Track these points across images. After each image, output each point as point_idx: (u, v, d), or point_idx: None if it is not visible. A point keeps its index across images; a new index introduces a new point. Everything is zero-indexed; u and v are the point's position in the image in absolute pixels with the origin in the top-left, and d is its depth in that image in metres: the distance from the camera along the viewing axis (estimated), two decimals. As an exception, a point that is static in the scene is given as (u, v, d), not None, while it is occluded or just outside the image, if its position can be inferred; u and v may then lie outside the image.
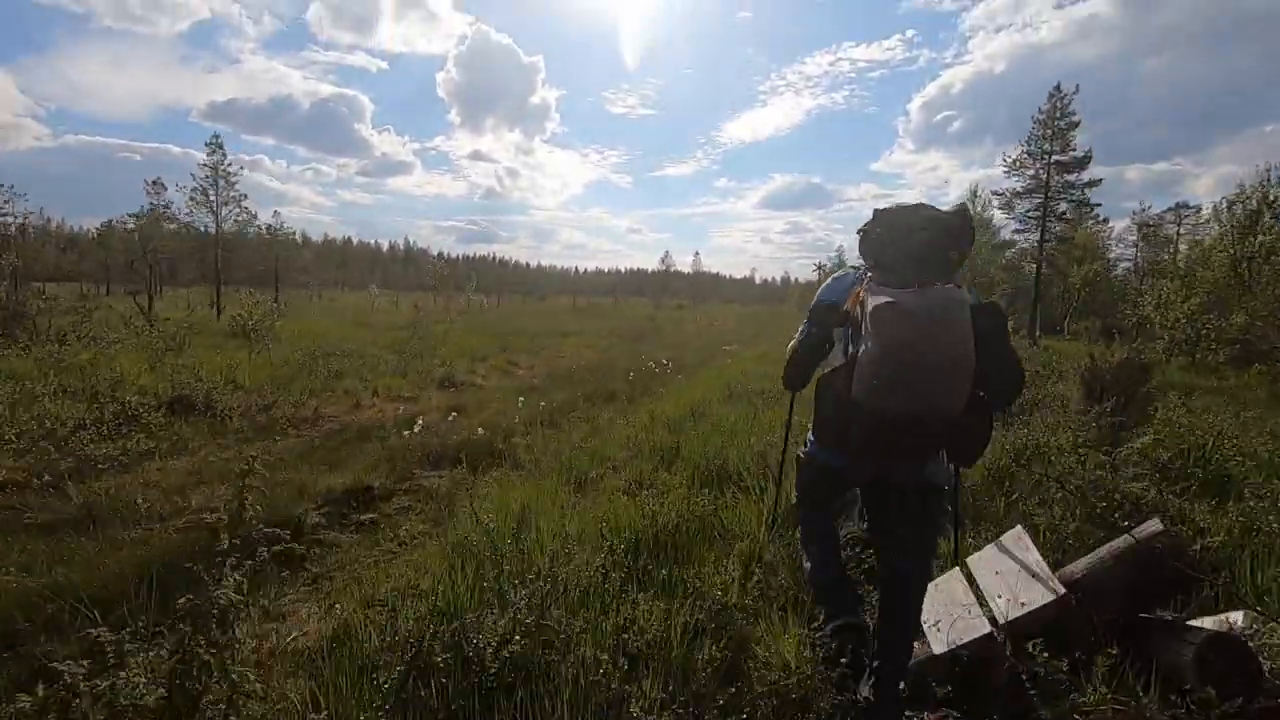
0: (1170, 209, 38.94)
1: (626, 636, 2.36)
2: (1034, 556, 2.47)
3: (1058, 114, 24.94)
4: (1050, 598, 2.24)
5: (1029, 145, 25.98)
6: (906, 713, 2.10)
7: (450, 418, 6.29)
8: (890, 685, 2.01)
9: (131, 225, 16.36)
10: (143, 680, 1.49)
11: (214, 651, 1.52)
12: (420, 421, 6.15)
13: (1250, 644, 2.03)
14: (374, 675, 2.13)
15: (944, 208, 2.03)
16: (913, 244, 1.92)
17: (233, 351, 10.14)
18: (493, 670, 2.11)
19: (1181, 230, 38.33)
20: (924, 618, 2.64)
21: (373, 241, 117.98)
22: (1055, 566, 2.95)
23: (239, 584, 1.73)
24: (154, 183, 27.21)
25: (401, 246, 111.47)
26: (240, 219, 20.44)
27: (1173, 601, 2.43)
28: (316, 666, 2.27)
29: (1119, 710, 1.88)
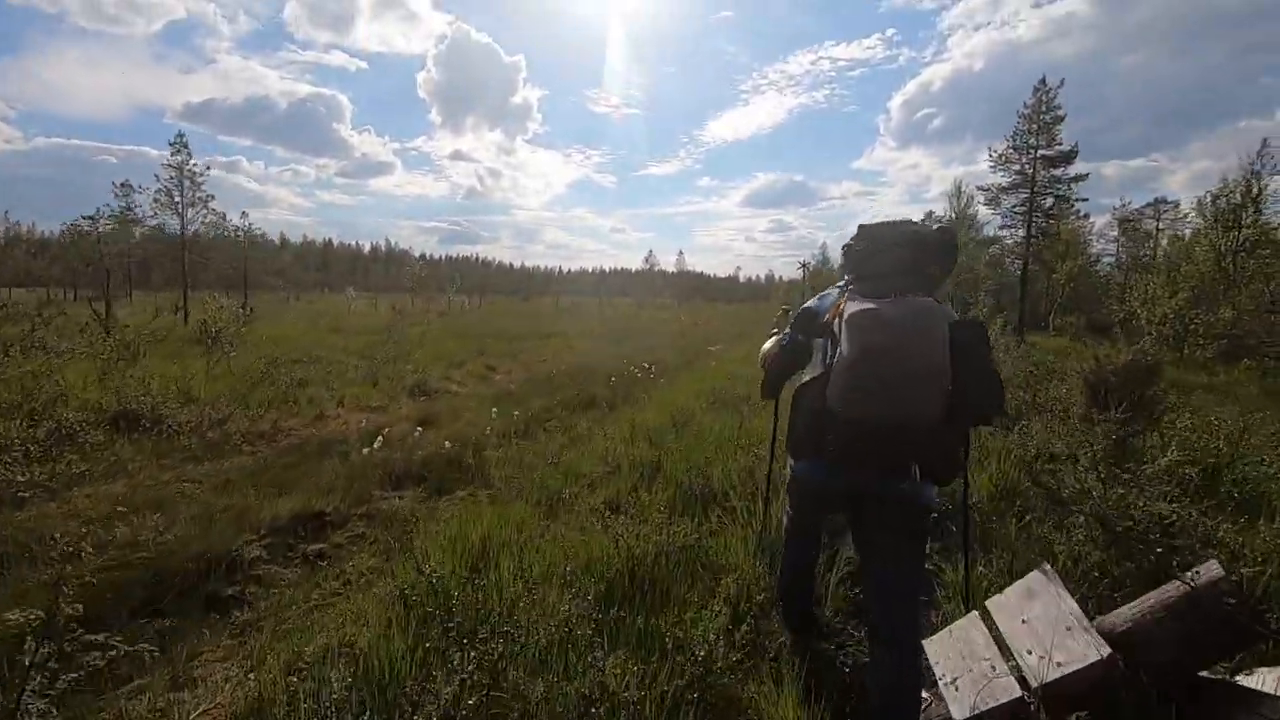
0: (1150, 204, 39.17)
1: (595, 712, 1.98)
2: (1068, 604, 2.11)
3: (1043, 108, 24.84)
4: (1094, 658, 1.88)
5: (1014, 140, 25.87)
6: None
7: (416, 432, 5.86)
8: None
9: (87, 228, 15.61)
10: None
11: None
12: (384, 435, 5.74)
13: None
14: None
15: (932, 225, 2.12)
16: (893, 258, 1.96)
17: (192, 360, 9.62)
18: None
19: (1161, 225, 38.59)
20: (939, 672, 2.30)
21: (353, 243, 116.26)
22: (1084, 601, 2.62)
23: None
24: (122, 185, 26.47)
25: (383, 248, 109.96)
26: (207, 221, 19.77)
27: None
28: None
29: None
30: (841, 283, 2.17)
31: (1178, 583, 1.94)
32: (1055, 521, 3.42)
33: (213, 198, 19.77)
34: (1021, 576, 3.11)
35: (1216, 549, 3.01)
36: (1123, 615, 2.05)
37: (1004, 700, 2.00)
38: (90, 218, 15.66)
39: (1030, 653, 2.06)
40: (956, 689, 2.16)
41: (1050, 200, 26.38)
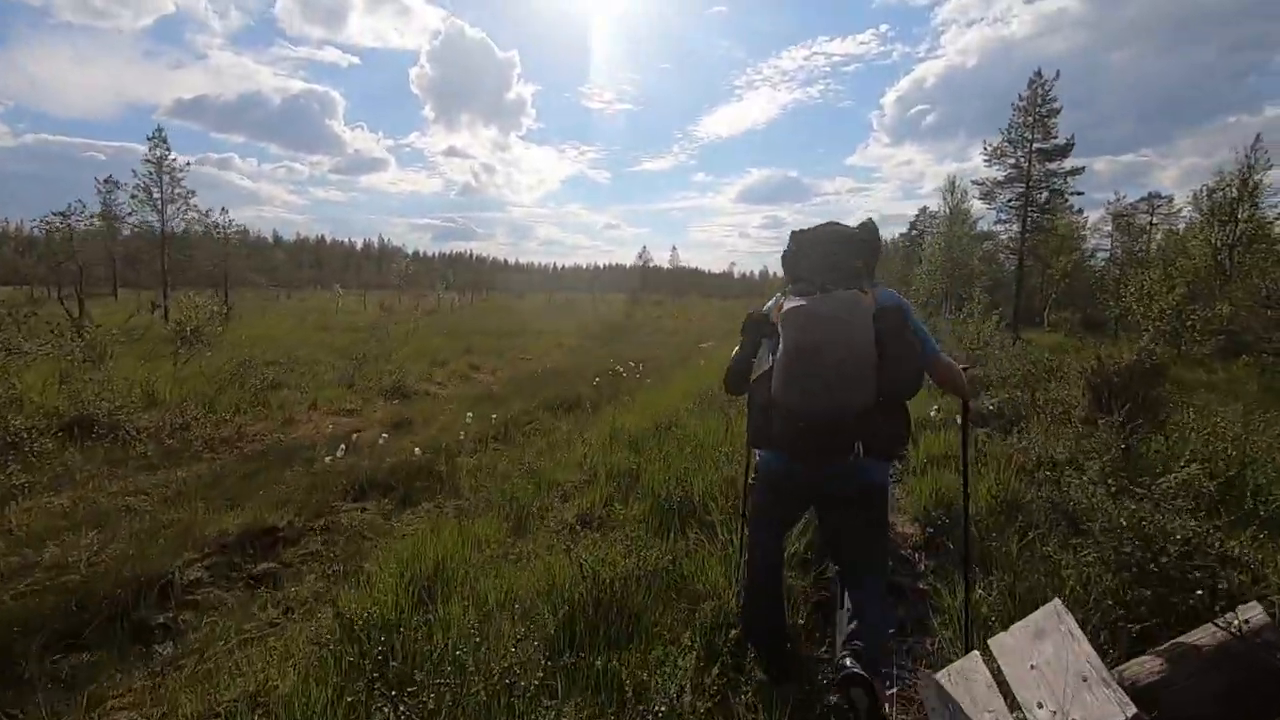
0: (1144, 199, 39.02)
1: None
2: (1083, 648, 1.84)
3: (1039, 101, 24.55)
4: (1118, 717, 1.61)
5: (1010, 133, 25.58)
6: None
7: (381, 440, 5.57)
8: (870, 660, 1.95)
9: (58, 225, 15.18)
10: None
11: None
12: (354, 440, 5.45)
13: None
14: None
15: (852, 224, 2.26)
16: (819, 255, 2.15)
17: (163, 361, 9.28)
18: None
19: (1155, 220, 38.47)
20: (936, 722, 2.02)
21: (346, 240, 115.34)
22: (1096, 635, 2.35)
23: None
24: (105, 181, 25.96)
25: (375, 245, 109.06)
26: (188, 218, 19.31)
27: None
28: None
29: None
30: (783, 288, 2.33)
31: (1213, 628, 1.68)
32: (1060, 539, 3.16)
33: (193, 194, 19.34)
34: (1025, 599, 2.85)
35: (1237, 570, 2.75)
36: (1149, 665, 1.78)
37: (1012, 763, 1.73)
38: (61, 214, 15.18)
39: (1041, 706, 1.79)
40: (956, 744, 1.89)
41: (1045, 194, 26.12)
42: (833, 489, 2.12)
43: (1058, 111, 24.43)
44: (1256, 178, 19.51)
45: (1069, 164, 25.51)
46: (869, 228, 2.22)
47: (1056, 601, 2.06)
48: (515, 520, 3.94)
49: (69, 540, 3.77)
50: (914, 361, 2.04)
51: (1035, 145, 25.00)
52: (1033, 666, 1.93)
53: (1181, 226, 30.00)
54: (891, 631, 2.67)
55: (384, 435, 5.65)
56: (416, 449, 5.33)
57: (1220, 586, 2.32)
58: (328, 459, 4.92)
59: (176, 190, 18.91)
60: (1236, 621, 1.64)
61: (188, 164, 19.24)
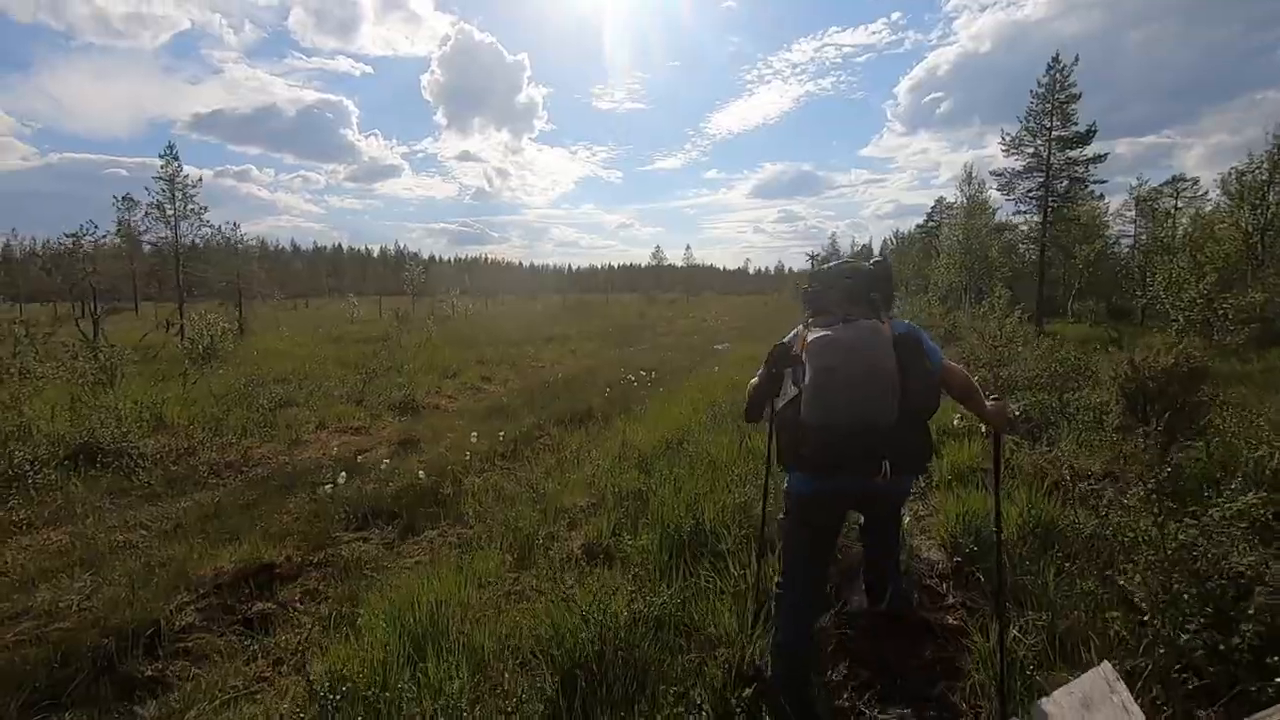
0: (1168, 182, 37.85)
1: None
2: (1140, 725, 1.63)
3: (1057, 87, 23.88)
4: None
5: (1028, 121, 24.92)
6: None
7: (384, 463, 5.43)
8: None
9: (70, 246, 15.30)
10: None
11: None
12: (359, 460, 5.32)
13: None
14: None
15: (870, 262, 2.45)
16: (842, 290, 2.33)
17: (174, 382, 9.25)
18: None
19: (1180, 204, 37.40)
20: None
21: (362, 247, 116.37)
22: (1147, 690, 2.13)
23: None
24: (123, 198, 26.24)
25: (392, 251, 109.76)
26: (201, 233, 19.46)
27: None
28: None
29: None
30: (804, 320, 2.45)
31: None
32: (1098, 572, 2.92)
33: (206, 209, 19.44)
34: (1064, 640, 2.63)
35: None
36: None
37: None
38: (73, 235, 15.30)
39: (1093, 794, 1.58)
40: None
41: (1066, 183, 25.39)
42: (863, 507, 2.48)
43: (1077, 98, 23.70)
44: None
45: (1090, 151, 24.78)
46: (883, 265, 2.44)
47: (1106, 666, 1.84)
48: (519, 551, 3.78)
49: (63, 583, 3.67)
50: (933, 382, 2.23)
51: (1055, 133, 24.30)
52: (1081, 742, 1.72)
53: (1208, 209, 29.05)
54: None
55: (385, 460, 5.52)
56: (421, 472, 5.19)
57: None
58: (328, 488, 4.80)
59: (190, 206, 19.08)
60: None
61: (199, 179, 19.42)
